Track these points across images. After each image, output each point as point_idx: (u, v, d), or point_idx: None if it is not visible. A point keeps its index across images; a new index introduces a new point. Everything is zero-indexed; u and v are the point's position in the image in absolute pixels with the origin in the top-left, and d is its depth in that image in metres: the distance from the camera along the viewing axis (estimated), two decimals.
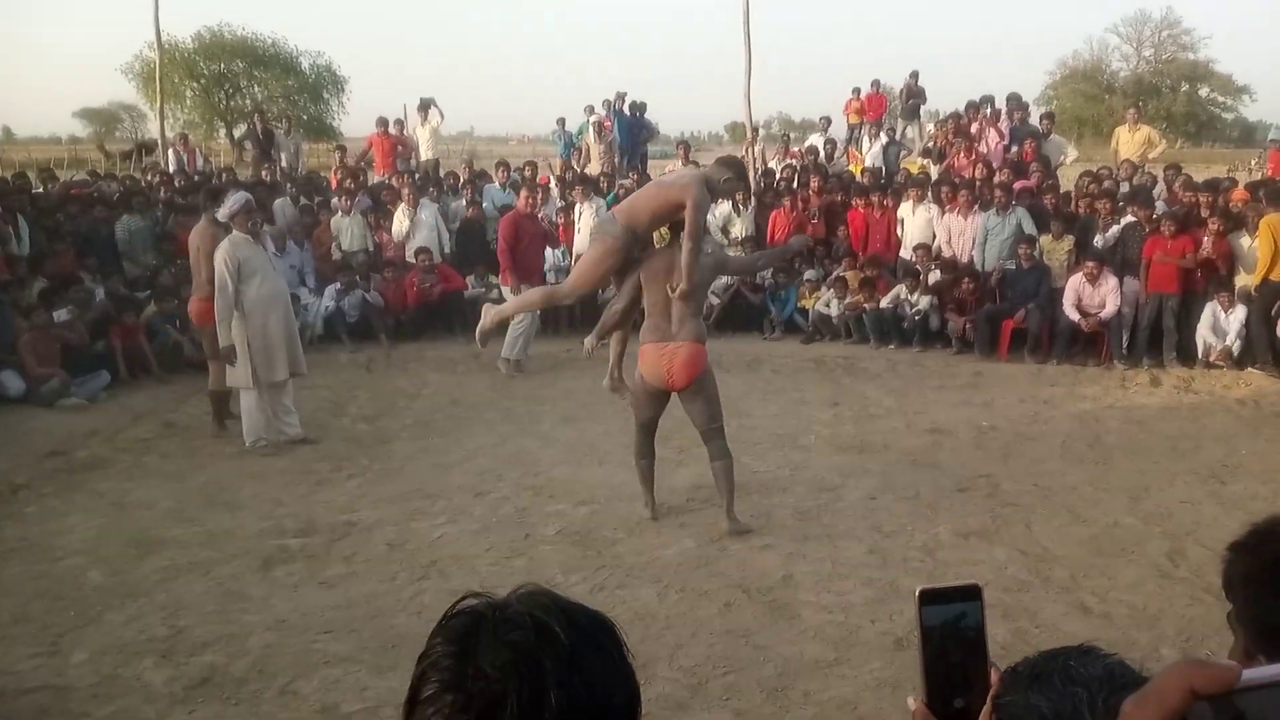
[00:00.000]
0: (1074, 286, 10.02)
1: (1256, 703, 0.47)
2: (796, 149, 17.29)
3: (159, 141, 16.81)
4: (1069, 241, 10.69)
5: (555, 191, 12.95)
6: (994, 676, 0.96)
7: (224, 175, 14.89)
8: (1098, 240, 10.45)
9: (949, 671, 0.93)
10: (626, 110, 16.74)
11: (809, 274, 11.65)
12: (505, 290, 9.85)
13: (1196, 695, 0.47)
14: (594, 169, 14.60)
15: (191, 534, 5.84)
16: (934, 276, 10.90)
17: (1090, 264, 9.92)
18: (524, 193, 10.52)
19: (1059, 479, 6.72)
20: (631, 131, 16.67)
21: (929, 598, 0.93)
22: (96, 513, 6.24)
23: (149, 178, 14.45)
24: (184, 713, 3.99)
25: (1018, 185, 11.69)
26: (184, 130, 24.56)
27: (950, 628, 0.93)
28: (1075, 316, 9.97)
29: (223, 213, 7.50)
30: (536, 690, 0.90)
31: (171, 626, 4.69)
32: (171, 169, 14.70)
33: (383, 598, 4.99)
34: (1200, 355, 9.71)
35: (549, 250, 12.16)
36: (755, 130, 15.74)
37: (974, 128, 14.14)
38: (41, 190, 13.39)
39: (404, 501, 6.36)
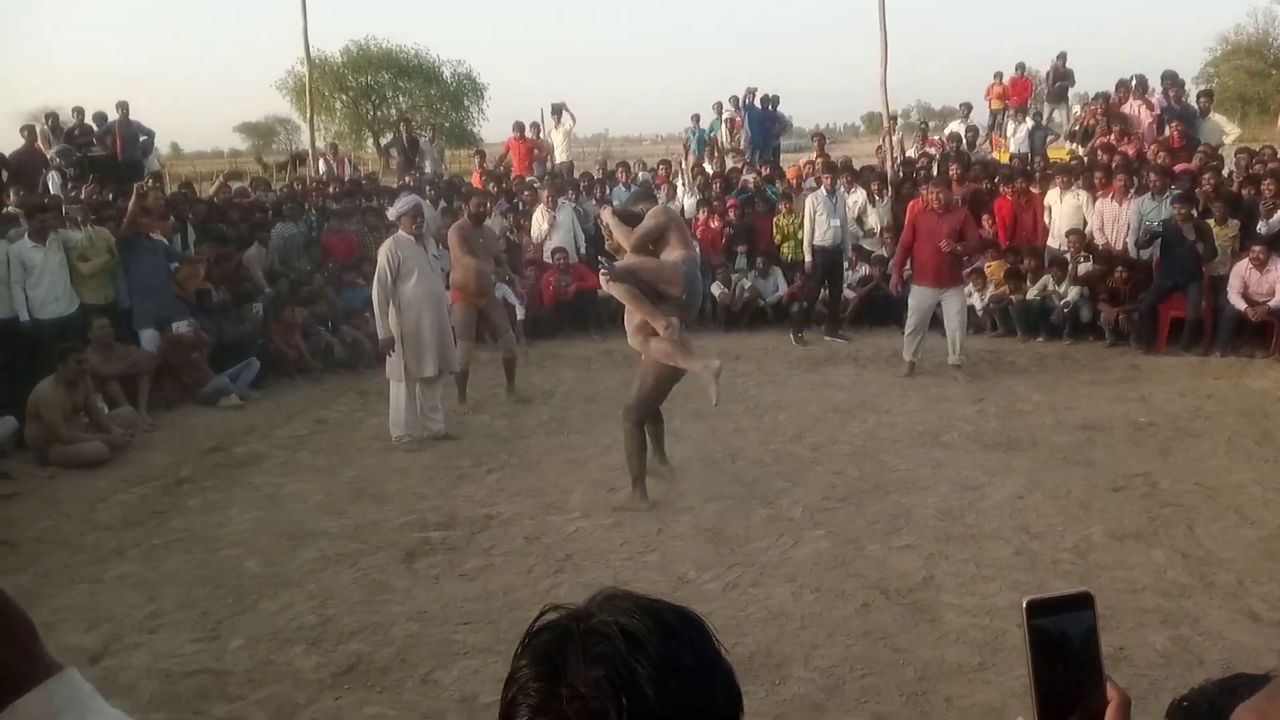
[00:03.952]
0: (1239, 273, 9.40)
1: None
2: (936, 137, 16.79)
3: (310, 152, 17.54)
4: (1233, 226, 10.03)
5: (681, 190, 12.90)
6: (1110, 690, 0.90)
7: (367, 182, 15.48)
8: (1261, 226, 9.79)
9: (1062, 686, 0.88)
10: (758, 104, 16.61)
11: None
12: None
13: None
14: (718, 165, 14.58)
15: (340, 526, 6.07)
16: (1085, 266, 10.41)
17: (1256, 249, 9.29)
18: (930, 187, 9.39)
19: (1224, 477, 6.32)
20: (763, 125, 16.54)
21: (1037, 609, 0.89)
22: (253, 505, 6.56)
23: (299, 186, 15.12)
24: (331, 699, 4.14)
25: (1177, 168, 11.06)
26: (334, 141, 25.51)
27: (1062, 640, 0.88)
28: (1241, 305, 9.36)
29: (391, 213, 8.14)
30: (637, 702, 0.85)
31: (321, 615, 4.88)
32: (322, 178, 15.34)
33: (519, 590, 5.07)
34: None
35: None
36: (893, 119, 15.39)
37: (1125, 107, 13.43)
38: (212, 197, 14.15)
39: (540, 496, 6.46)
